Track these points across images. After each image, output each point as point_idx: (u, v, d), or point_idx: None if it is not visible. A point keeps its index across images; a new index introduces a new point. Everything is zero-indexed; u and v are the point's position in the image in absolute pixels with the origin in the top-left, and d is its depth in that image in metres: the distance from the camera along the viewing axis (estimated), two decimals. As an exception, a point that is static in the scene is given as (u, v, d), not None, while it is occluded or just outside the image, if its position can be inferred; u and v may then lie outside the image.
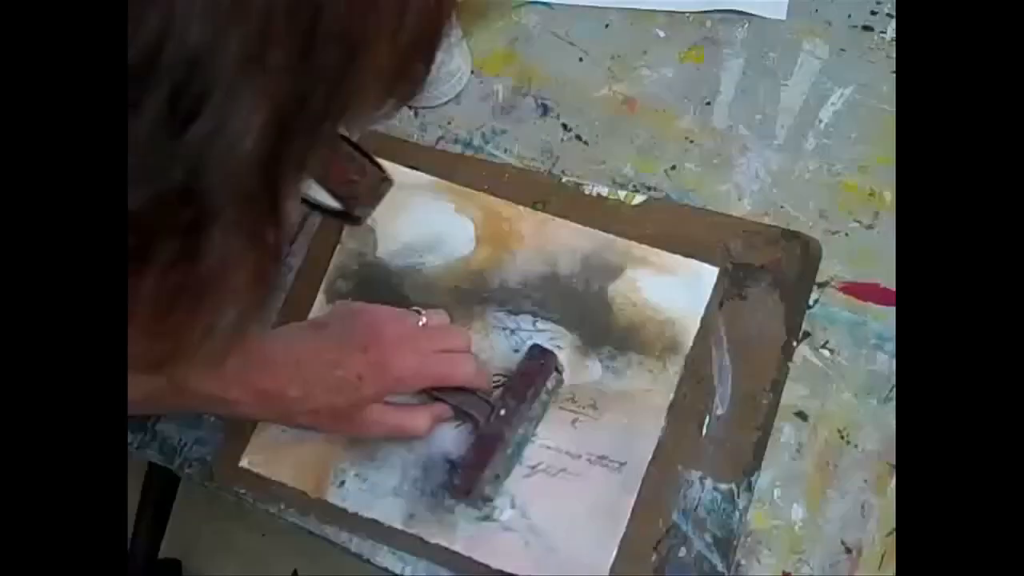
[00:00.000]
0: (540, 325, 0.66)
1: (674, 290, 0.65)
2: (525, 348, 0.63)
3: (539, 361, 0.62)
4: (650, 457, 0.61)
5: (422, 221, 0.69)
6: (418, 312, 0.61)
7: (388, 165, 0.73)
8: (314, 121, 0.25)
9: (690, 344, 0.63)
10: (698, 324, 0.64)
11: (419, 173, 0.71)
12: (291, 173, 0.26)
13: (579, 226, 0.68)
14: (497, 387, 0.62)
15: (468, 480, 0.58)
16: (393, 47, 0.26)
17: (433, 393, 0.61)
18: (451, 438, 0.63)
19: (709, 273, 0.65)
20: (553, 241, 0.68)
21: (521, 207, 0.69)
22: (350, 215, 0.34)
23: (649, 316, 0.65)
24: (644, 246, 0.66)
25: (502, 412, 0.60)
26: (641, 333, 0.64)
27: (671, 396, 0.62)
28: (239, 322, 0.28)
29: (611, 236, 0.67)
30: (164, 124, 0.22)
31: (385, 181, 0.35)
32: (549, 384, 0.62)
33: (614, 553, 0.59)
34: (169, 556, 1.33)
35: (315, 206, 0.32)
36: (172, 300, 0.26)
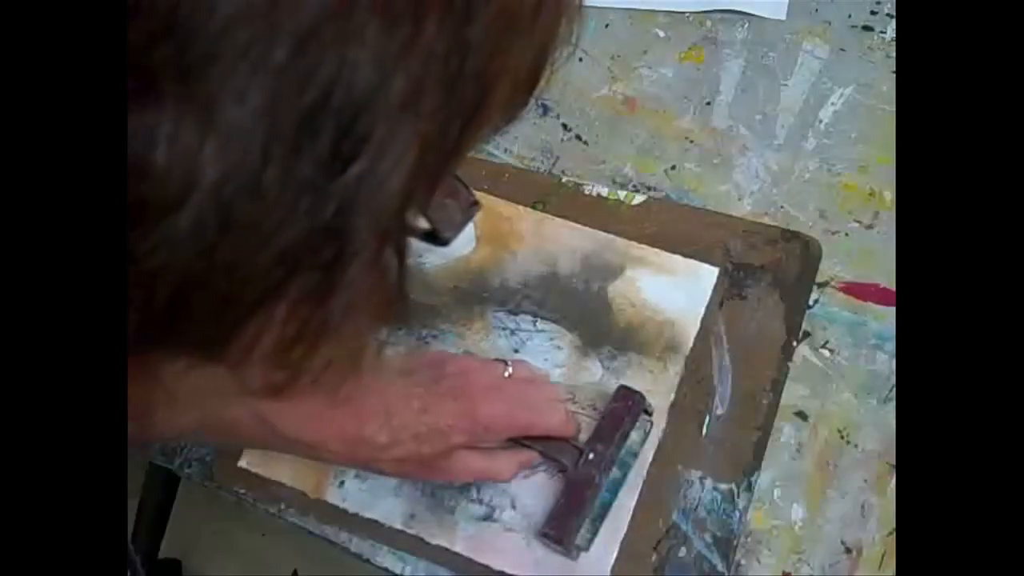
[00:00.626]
0: (540, 325, 0.66)
1: (674, 290, 0.65)
2: (613, 390, 0.61)
3: (626, 402, 0.60)
4: (650, 457, 0.61)
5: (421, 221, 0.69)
6: (504, 363, 0.61)
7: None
8: (449, 158, 0.26)
9: (690, 344, 0.63)
10: (698, 324, 0.64)
11: None
12: (421, 207, 0.27)
13: (579, 226, 0.68)
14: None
15: (561, 528, 0.57)
16: (513, 81, 0.27)
17: (520, 440, 0.60)
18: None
19: (709, 273, 0.65)
20: (553, 241, 0.68)
21: (521, 207, 0.69)
22: (439, 237, 0.35)
23: (649, 316, 0.65)
24: (644, 246, 0.66)
25: (591, 456, 0.58)
26: (641, 333, 0.64)
27: (671, 396, 0.62)
28: (356, 358, 0.28)
29: (611, 236, 0.67)
30: (327, 166, 0.22)
31: (475, 204, 0.35)
32: (638, 425, 0.60)
33: (614, 553, 0.59)
34: (169, 556, 1.33)
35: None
36: (298, 334, 0.26)
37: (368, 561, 0.62)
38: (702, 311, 0.64)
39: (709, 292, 0.65)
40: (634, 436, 0.61)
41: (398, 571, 0.61)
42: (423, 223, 0.32)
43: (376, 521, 0.62)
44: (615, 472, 0.60)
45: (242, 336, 0.25)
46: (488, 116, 0.26)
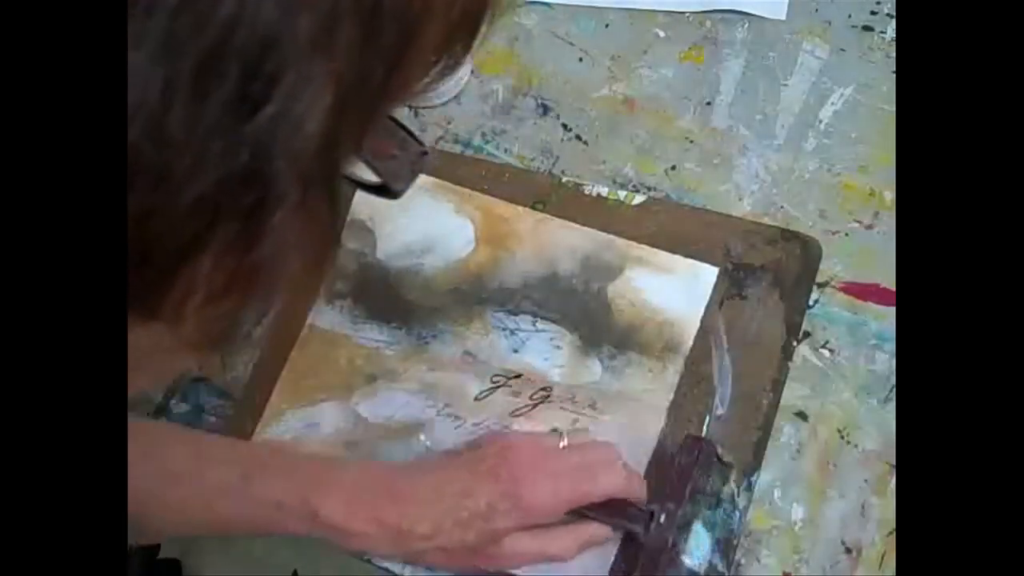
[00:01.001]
0: (540, 325, 0.66)
1: (674, 290, 0.65)
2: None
3: (694, 453, 0.56)
4: (650, 457, 0.61)
5: (421, 221, 0.69)
6: (559, 433, 0.57)
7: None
8: (373, 101, 0.25)
9: (690, 344, 0.63)
10: (698, 324, 0.64)
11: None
12: (348, 154, 0.26)
13: (578, 226, 0.68)
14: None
15: None
16: (445, 23, 0.26)
17: (582, 512, 0.55)
18: (450, 438, 0.63)
19: (709, 273, 0.65)
20: (552, 241, 0.68)
21: (520, 207, 0.69)
22: (390, 190, 0.34)
23: (649, 316, 0.65)
24: (644, 246, 0.66)
25: (662, 519, 0.54)
26: (641, 333, 0.64)
27: (671, 396, 0.62)
28: (292, 306, 0.28)
29: (611, 236, 0.67)
30: (234, 108, 0.22)
31: (424, 155, 0.35)
32: (716, 474, 0.57)
33: (614, 553, 0.59)
34: (169, 556, 1.33)
35: (356, 183, 0.32)
36: (228, 284, 0.26)
37: (368, 561, 0.62)
38: (702, 311, 0.64)
39: (709, 292, 0.65)
40: (708, 491, 0.56)
41: (398, 571, 0.61)
42: (372, 176, 0.32)
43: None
44: (699, 538, 0.55)
45: (172, 290, 0.24)
46: (417, 59, 0.26)
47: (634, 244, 0.67)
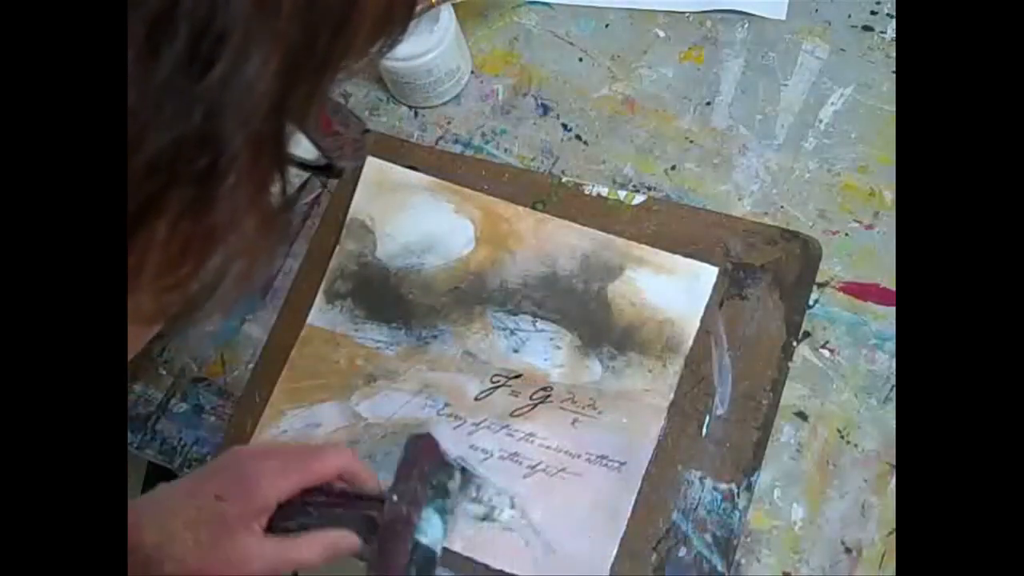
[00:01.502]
0: (540, 325, 0.66)
1: (674, 290, 0.65)
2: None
3: (418, 445, 0.57)
4: (650, 457, 0.61)
5: (421, 222, 0.69)
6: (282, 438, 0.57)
7: (384, 164, 0.73)
8: (319, 65, 0.26)
9: (690, 344, 0.63)
10: (698, 324, 0.64)
11: (419, 174, 0.71)
12: (296, 119, 0.27)
13: (578, 226, 0.68)
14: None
15: (383, 572, 0.52)
16: None
17: (316, 513, 0.54)
18: (450, 438, 0.63)
19: (708, 273, 0.65)
20: (552, 241, 0.68)
21: (521, 207, 0.69)
22: (333, 168, 0.35)
23: (649, 316, 0.65)
24: (644, 246, 0.66)
25: (394, 498, 0.54)
26: (641, 333, 0.64)
27: (671, 396, 0.62)
28: (247, 271, 0.28)
29: (611, 236, 0.67)
30: (184, 69, 0.22)
31: (367, 132, 0.36)
32: (444, 474, 0.57)
33: (614, 553, 0.59)
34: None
35: (300, 164, 0.33)
36: (183, 250, 0.26)
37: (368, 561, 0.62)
38: (702, 311, 0.64)
39: (709, 292, 0.65)
40: (441, 481, 0.57)
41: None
42: (312, 154, 0.32)
43: (376, 521, 0.62)
44: (432, 520, 0.55)
45: (128, 258, 0.25)
46: (360, 25, 0.26)
47: (634, 244, 0.67)
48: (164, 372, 0.69)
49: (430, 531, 0.55)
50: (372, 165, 0.71)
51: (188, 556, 0.49)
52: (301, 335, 0.68)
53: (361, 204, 0.70)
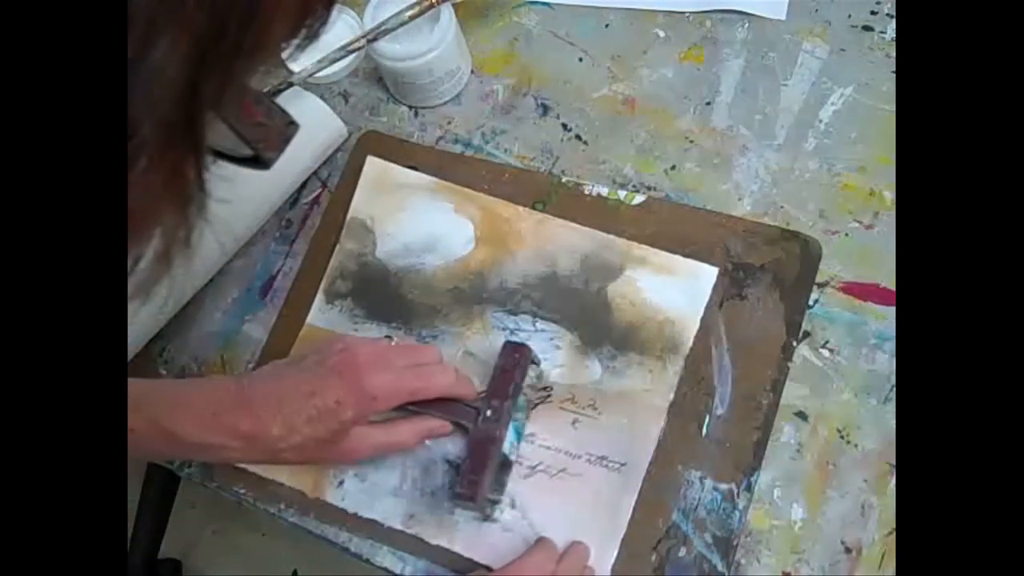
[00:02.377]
0: (540, 325, 0.66)
1: (674, 290, 0.65)
2: (500, 346, 0.63)
3: (514, 356, 0.62)
4: (651, 457, 0.61)
5: (421, 221, 0.69)
6: (388, 337, 0.62)
7: (384, 164, 0.73)
8: (229, 55, 0.26)
9: (690, 344, 0.63)
10: (698, 324, 0.64)
11: (419, 173, 0.71)
12: (209, 107, 0.27)
13: (578, 226, 0.68)
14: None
15: (471, 486, 0.58)
16: None
17: (416, 409, 0.60)
18: (450, 438, 0.63)
19: (709, 273, 0.65)
20: (552, 241, 0.68)
21: (520, 207, 0.69)
22: (260, 159, 0.35)
23: (649, 316, 0.65)
24: (644, 246, 0.66)
25: (488, 413, 0.60)
26: (641, 333, 0.64)
27: (671, 396, 0.62)
28: (164, 255, 0.29)
29: (611, 236, 0.67)
30: None
31: (291, 125, 0.36)
32: (530, 376, 0.62)
33: (615, 553, 0.59)
34: (169, 556, 1.33)
35: (223, 155, 0.33)
36: None
37: (368, 561, 0.62)
38: (702, 311, 0.64)
39: (709, 292, 0.65)
40: (526, 391, 0.62)
41: (398, 571, 0.61)
42: (239, 147, 0.32)
43: (375, 521, 0.62)
44: (515, 424, 0.61)
45: None
46: (272, 17, 0.27)
47: (634, 244, 0.66)
48: (164, 372, 0.69)
49: (509, 438, 0.61)
50: (372, 165, 0.71)
51: (307, 447, 0.56)
52: (300, 334, 0.68)
53: (361, 204, 0.70)
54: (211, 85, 0.26)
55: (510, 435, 0.61)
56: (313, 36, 0.31)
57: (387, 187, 0.71)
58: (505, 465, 0.61)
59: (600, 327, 0.65)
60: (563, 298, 0.66)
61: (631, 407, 0.62)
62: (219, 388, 0.58)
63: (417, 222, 0.69)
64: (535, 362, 0.63)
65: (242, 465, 0.64)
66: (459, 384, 0.60)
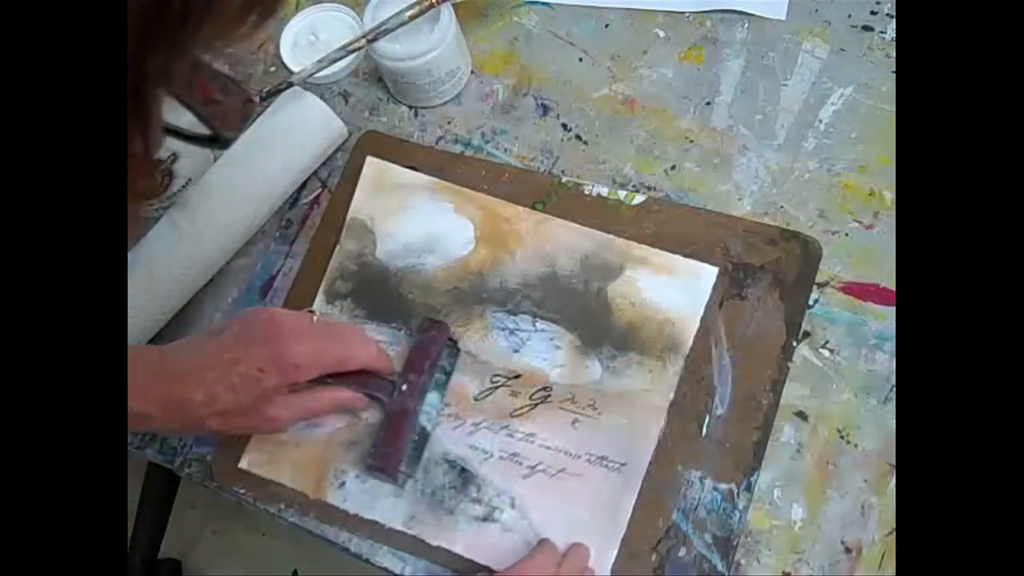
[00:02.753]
0: (539, 325, 0.66)
1: (673, 290, 0.65)
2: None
3: (431, 332, 0.64)
4: (650, 457, 0.61)
5: (421, 222, 0.69)
6: (311, 312, 0.63)
7: (384, 164, 0.73)
8: (174, 28, 0.26)
9: (690, 344, 0.63)
10: (698, 324, 0.64)
11: (418, 174, 0.71)
12: (155, 80, 0.27)
13: (578, 226, 0.68)
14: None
15: (383, 458, 0.60)
16: None
17: (334, 382, 0.61)
18: (450, 438, 0.63)
19: (709, 273, 0.65)
20: (552, 241, 0.68)
21: (520, 207, 0.69)
22: (218, 137, 0.35)
23: (649, 316, 0.65)
24: (643, 246, 0.66)
25: (404, 388, 0.62)
26: (641, 333, 0.64)
27: (671, 396, 0.62)
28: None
29: (610, 236, 0.67)
30: None
31: (249, 102, 0.36)
32: (444, 354, 0.64)
33: (615, 553, 0.59)
34: (169, 556, 1.33)
35: (180, 134, 0.33)
36: None
37: (368, 561, 0.62)
38: (702, 311, 0.64)
39: (708, 291, 0.65)
40: (444, 364, 0.64)
41: (398, 571, 0.61)
42: (196, 126, 0.32)
43: (376, 522, 0.62)
44: (430, 399, 0.63)
45: None
46: None
47: (634, 244, 0.66)
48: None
49: (427, 409, 0.63)
50: (372, 165, 0.71)
51: (229, 413, 0.57)
52: None
53: (361, 204, 0.70)
54: (158, 59, 0.26)
55: (427, 409, 0.63)
56: (267, 14, 0.30)
57: (387, 187, 0.71)
58: (423, 438, 0.63)
59: (600, 327, 0.65)
60: (563, 298, 0.66)
61: (631, 407, 0.62)
62: (140, 357, 0.58)
63: (417, 222, 0.69)
64: (453, 339, 0.65)
65: (164, 434, 0.65)
66: (379, 357, 0.62)
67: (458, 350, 0.65)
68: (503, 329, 0.66)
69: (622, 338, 0.64)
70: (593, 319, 0.65)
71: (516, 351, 0.65)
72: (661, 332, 0.64)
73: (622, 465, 0.61)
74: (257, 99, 0.35)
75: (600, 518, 0.60)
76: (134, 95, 0.26)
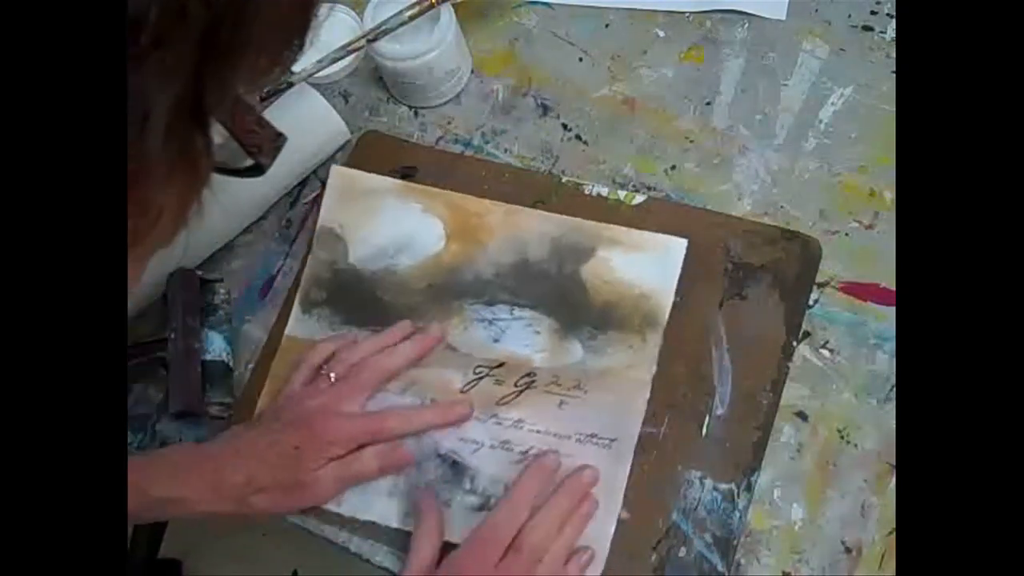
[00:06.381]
0: (517, 313, 0.66)
1: (645, 265, 0.65)
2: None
3: (174, 283, 0.65)
4: (639, 429, 0.61)
5: (391, 224, 0.69)
6: (327, 375, 0.63)
7: (351, 172, 0.74)
8: (228, 55, 0.27)
9: (666, 316, 0.64)
10: (672, 296, 0.64)
11: (383, 177, 0.70)
12: (214, 91, 0.27)
13: (547, 213, 0.68)
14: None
15: (182, 395, 0.62)
16: None
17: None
18: (440, 432, 0.63)
19: (678, 245, 0.65)
20: (522, 229, 0.68)
21: (488, 200, 0.69)
22: (256, 165, 0.36)
23: (623, 293, 0.65)
24: (612, 225, 0.66)
25: (172, 336, 0.63)
26: (617, 310, 0.64)
27: (654, 368, 0.62)
28: (171, 236, 0.30)
29: (578, 219, 0.67)
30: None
31: (280, 137, 0.37)
32: (211, 290, 0.66)
33: (612, 530, 0.59)
34: (169, 556, 1.33)
35: (224, 170, 0.33)
36: None
37: (368, 561, 0.62)
38: (675, 283, 0.64)
39: (679, 263, 0.64)
40: (211, 300, 0.66)
41: (398, 571, 0.61)
42: (239, 157, 0.33)
43: (374, 523, 0.62)
44: (212, 337, 0.65)
45: None
46: (258, 20, 0.27)
47: (602, 224, 0.67)
48: (164, 372, 0.69)
49: (213, 347, 0.65)
50: (337, 173, 0.71)
51: (272, 489, 0.60)
52: (281, 346, 0.68)
53: (329, 212, 0.70)
54: (213, 78, 0.27)
55: (217, 343, 0.65)
56: (299, 51, 0.31)
57: (354, 194, 0.70)
58: (227, 371, 0.65)
59: (577, 309, 0.65)
60: (537, 284, 0.66)
61: (616, 383, 0.62)
62: (177, 451, 0.63)
63: (387, 224, 0.69)
64: (204, 279, 0.66)
65: (212, 518, 0.64)
66: (411, 416, 0.62)
67: (211, 285, 0.67)
68: (481, 320, 0.66)
69: (600, 317, 0.65)
70: (569, 301, 0.65)
71: (496, 340, 0.65)
72: (637, 307, 0.64)
73: (612, 440, 0.61)
74: (257, 99, 0.36)
75: (596, 494, 0.60)
76: (196, 95, 0.26)
